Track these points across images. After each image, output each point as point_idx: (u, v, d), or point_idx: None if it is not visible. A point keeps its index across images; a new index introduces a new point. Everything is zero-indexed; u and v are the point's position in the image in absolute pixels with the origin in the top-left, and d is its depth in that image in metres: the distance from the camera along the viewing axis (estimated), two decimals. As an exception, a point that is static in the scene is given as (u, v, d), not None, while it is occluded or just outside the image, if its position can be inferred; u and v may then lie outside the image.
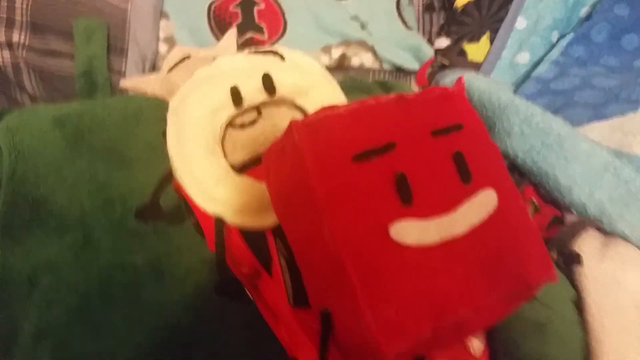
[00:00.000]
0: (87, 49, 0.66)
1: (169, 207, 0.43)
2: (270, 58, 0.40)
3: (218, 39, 0.77)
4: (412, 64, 0.80)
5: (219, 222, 0.35)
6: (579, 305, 0.45)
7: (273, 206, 0.31)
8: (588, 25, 0.78)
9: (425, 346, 0.27)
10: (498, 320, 0.30)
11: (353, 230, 0.26)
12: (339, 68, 0.81)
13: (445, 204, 0.27)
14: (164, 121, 0.55)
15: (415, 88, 0.82)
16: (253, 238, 0.38)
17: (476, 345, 0.35)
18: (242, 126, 0.39)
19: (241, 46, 0.76)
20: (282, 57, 0.40)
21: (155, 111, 0.56)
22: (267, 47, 0.41)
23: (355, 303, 0.25)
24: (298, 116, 0.40)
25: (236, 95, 0.37)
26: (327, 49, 0.80)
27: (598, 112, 0.62)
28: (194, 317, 0.39)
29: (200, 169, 0.35)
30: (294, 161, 0.28)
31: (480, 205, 0.28)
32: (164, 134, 0.38)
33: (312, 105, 0.39)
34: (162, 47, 0.80)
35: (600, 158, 0.50)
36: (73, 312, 0.40)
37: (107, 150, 0.50)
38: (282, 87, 0.39)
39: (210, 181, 0.35)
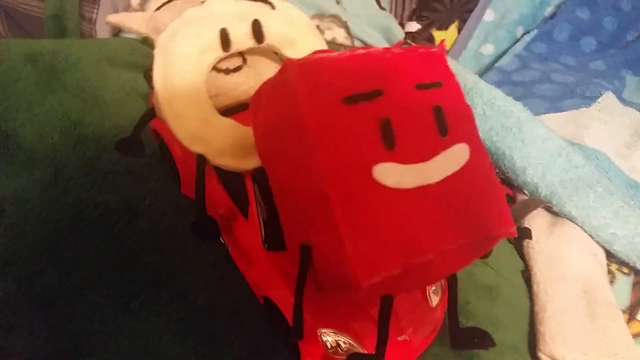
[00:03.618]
0: (58, -9, 0.65)
1: (148, 152, 0.43)
2: (261, 5, 0.40)
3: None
4: (382, 44, 0.82)
5: (201, 160, 0.35)
6: (525, 276, 0.48)
7: (257, 145, 0.32)
8: (551, 24, 0.82)
9: (393, 283, 0.29)
10: (459, 269, 0.33)
11: (339, 168, 0.27)
12: (311, 41, 0.82)
13: (423, 153, 0.29)
14: (138, 66, 0.55)
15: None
16: (230, 182, 0.39)
17: (433, 297, 0.38)
18: (227, 71, 0.40)
19: None
20: (272, 6, 0.40)
21: (129, 56, 0.56)
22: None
23: (336, 235, 0.27)
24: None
25: (225, 38, 0.37)
26: (301, 21, 0.80)
27: (554, 105, 0.66)
28: (165, 257, 0.40)
29: (186, 106, 0.35)
30: (286, 98, 0.29)
31: (454, 158, 0.30)
32: (145, 73, 0.38)
33: (298, 56, 0.40)
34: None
35: (555, 143, 0.54)
36: (41, 245, 0.40)
37: (81, 89, 0.49)
38: (271, 35, 0.39)
39: (196, 119, 0.35)
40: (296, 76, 0.28)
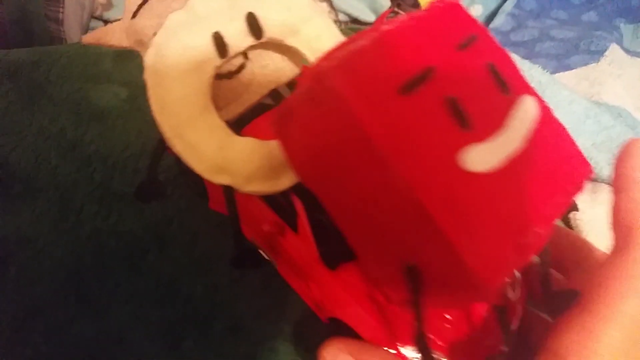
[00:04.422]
0: (18, -8, 0.58)
1: (164, 167, 0.38)
2: None
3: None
4: (368, 16, 0.78)
5: (229, 192, 0.30)
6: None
7: (301, 173, 0.28)
8: (538, -22, 0.79)
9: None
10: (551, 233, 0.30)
11: (423, 169, 0.23)
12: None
13: (496, 120, 0.25)
14: (131, 68, 0.49)
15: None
16: (272, 195, 0.34)
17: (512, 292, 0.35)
18: (229, 75, 0.35)
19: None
20: None
21: (116, 56, 0.50)
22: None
23: (446, 244, 0.23)
24: (287, 56, 0.36)
25: (220, 42, 0.31)
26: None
27: (562, 63, 0.63)
28: (209, 286, 0.35)
29: (196, 134, 0.30)
30: (333, 110, 0.24)
31: (525, 114, 0.26)
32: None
33: (305, 43, 0.34)
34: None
35: (581, 104, 0.51)
36: (64, 289, 0.34)
37: (72, 102, 0.44)
38: (270, 26, 0.33)
39: (211, 148, 0.30)
40: (338, 82, 0.23)
